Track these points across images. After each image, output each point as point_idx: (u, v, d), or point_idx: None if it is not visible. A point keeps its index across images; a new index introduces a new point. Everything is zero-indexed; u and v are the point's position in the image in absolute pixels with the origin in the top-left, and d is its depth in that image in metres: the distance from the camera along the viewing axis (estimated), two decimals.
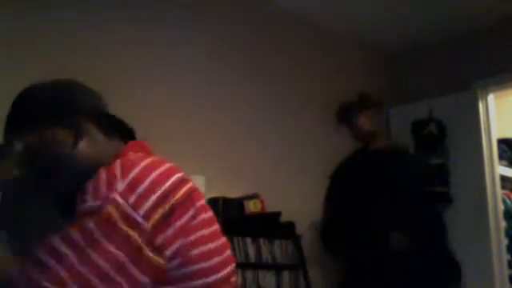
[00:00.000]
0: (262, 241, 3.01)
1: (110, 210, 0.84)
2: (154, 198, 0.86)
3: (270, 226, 3.08)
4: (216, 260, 0.95)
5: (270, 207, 3.09)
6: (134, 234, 0.84)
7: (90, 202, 0.86)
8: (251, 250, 2.96)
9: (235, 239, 2.89)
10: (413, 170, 2.48)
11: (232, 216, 2.93)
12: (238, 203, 3.01)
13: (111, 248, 0.82)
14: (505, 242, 3.57)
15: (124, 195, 0.85)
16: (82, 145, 1.00)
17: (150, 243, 0.85)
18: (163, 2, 3.08)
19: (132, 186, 0.86)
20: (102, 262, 0.82)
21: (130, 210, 0.84)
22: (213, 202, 2.94)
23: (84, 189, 0.89)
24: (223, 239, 1.01)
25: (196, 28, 3.19)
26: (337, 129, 2.73)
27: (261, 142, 3.36)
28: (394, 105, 4.11)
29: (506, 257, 3.53)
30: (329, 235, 2.70)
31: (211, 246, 0.94)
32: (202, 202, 0.97)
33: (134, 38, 2.90)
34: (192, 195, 0.94)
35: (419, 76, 4.11)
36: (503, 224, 3.58)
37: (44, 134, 1.00)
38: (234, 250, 2.89)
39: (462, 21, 3.73)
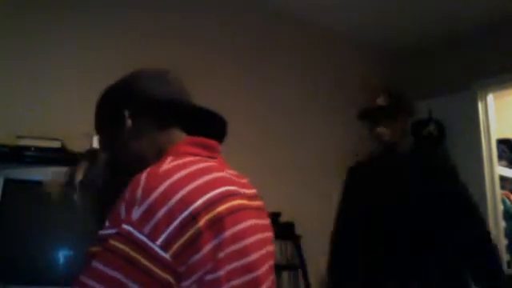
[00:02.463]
0: None
1: (117, 242, 0.77)
2: (172, 226, 0.76)
3: None
4: None
5: (270, 207, 3.08)
6: (151, 264, 0.75)
7: (107, 229, 0.80)
8: None
9: None
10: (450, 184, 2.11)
11: None
12: None
13: (131, 284, 0.74)
14: (504, 242, 3.57)
15: (138, 224, 0.76)
16: (129, 138, 0.99)
17: (173, 273, 0.76)
18: (164, 2, 3.08)
19: (148, 215, 0.77)
20: None
21: (145, 240, 0.76)
22: None
23: (121, 196, 0.81)
24: (261, 270, 0.89)
25: (196, 28, 3.19)
26: (359, 125, 2.30)
27: (260, 142, 3.36)
28: None
29: (506, 257, 3.53)
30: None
31: (240, 280, 0.83)
32: (237, 228, 0.84)
33: (134, 37, 2.90)
34: (221, 222, 0.81)
35: (419, 76, 4.10)
36: (502, 224, 3.58)
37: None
38: None
39: (462, 21, 3.73)
